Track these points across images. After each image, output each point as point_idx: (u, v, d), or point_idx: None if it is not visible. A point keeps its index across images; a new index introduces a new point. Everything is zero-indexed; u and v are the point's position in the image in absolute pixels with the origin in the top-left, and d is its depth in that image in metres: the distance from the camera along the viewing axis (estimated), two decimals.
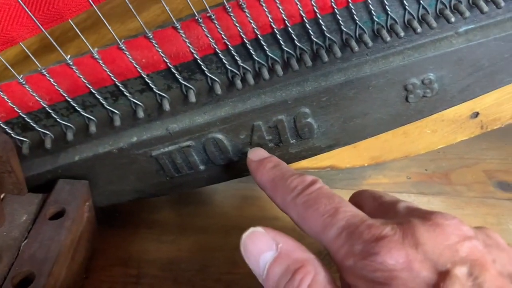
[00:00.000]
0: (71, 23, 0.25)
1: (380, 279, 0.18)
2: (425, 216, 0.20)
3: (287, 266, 0.21)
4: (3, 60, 0.26)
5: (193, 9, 0.25)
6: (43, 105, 0.27)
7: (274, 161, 0.26)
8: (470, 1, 0.25)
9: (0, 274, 0.24)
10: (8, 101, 0.27)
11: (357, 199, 0.26)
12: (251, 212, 0.36)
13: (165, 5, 0.25)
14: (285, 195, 0.24)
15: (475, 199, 0.39)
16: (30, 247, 0.25)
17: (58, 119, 0.28)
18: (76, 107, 0.27)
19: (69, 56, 0.26)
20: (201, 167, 0.30)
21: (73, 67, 0.26)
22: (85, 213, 0.29)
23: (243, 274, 0.31)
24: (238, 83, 0.27)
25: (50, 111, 0.27)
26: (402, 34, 0.25)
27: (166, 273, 0.31)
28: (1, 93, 0.26)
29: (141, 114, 0.27)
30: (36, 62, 0.26)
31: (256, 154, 0.28)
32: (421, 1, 0.25)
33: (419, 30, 0.25)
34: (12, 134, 0.28)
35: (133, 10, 0.25)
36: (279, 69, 0.26)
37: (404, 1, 0.25)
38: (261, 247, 0.22)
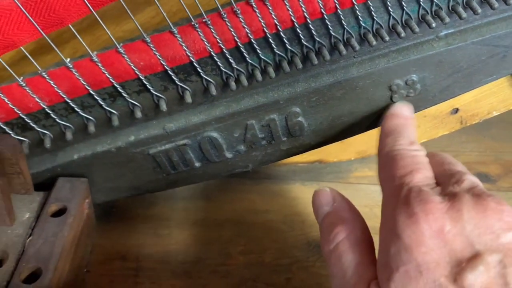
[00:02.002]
0: (70, 26, 0.26)
1: (407, 239, 0.20)
2: (481, 195, 0.21)
3: (332, 221, 0.25)
4: (3, 63, 0.26)
5: (188, 13, 0.26)
6: (43, 106, 0.28)
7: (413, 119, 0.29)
8: (450, 8, 0.27)
9: (7, 269, 0.25)
10: (8, 102, 0.27)
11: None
12: (243, 206, 0.38)
13: (161, 9, 0.26)
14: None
15: None
16: (35, 244, 0.26)
17: (57, 120, 0.28)
18: (75, 108, 0.28)
19: (68, 59, 0.27)
20: (197, 164, 0.31)
21: (73, 70, 0.27)
22: (85, 210, 0.30)
23: (237, 265, 0.33)
24: (232, 84, 0.28)
25: (50, 111, 0.28)
26: (387, 38, 0.26)
27: (163, 265, 0.32)
28: (2, 95, 0.27)
29: (138, 114, 0.28)
30: (36, 65, 0.27)
31: (402, 108, 0.29)
32: (404, 7, 0.26)
33: (403, 34, 0.26)
34: (12, 134, 0.29)
35: (129, 13, 0.26)
36: (271, 71, 0.27)
37: (389, 7, 0.26)
38: (322, 202, 0.26)
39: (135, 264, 0.32)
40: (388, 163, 0.25)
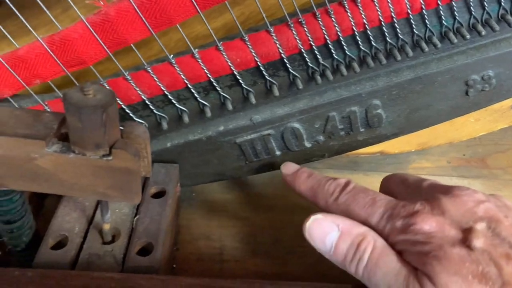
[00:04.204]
0: (179, 27, 0.28)
1: (421, 239, 0.24)
2: (445, 191, 0.25)
3: (351, 241, 0.26)
4: (114, 58, 0.29)
5: (285, 13, 0.28)
6: (144, 98, 0.31)
7: (307, 171, 0.31)
8: None
9: (122, 244, 0.28)
10: None
11: (387, 184, 0.31)
12: None
13: (261, 9, 0.28)
14: (327, 198, 0.28)
15: (511, 181, 0.42)
16: (143, 222, 0.29)
17: (154, 110, 0.31)
18: (173, 100, 0.31)
19: (172, 55, 0.29)
20: (277, 153, 0.34)
21: (175, 66, 0.29)
22: (177, 193, 0.33)
23: (311, 246, 0.35)
24: (318, 78, 0.30)
25: (149, 103, 0.31)
26: (468, 36, 0.28)
27: (245, 245, 0.35)
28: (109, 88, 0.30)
29: (230, 106, 0.31)
30: (143, 60, 0.29)
31: (288, 168, 0.32)
32: (486, 7, 0.28)
33: (483, 33, 0.28)
34: None
35: (231, 11, 0.28)
36: (356, 66, 0.29)
37: (471, 7, 0.28)
38: (325, 230, 0.26)
39: (219, 244, 0.35)
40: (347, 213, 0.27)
